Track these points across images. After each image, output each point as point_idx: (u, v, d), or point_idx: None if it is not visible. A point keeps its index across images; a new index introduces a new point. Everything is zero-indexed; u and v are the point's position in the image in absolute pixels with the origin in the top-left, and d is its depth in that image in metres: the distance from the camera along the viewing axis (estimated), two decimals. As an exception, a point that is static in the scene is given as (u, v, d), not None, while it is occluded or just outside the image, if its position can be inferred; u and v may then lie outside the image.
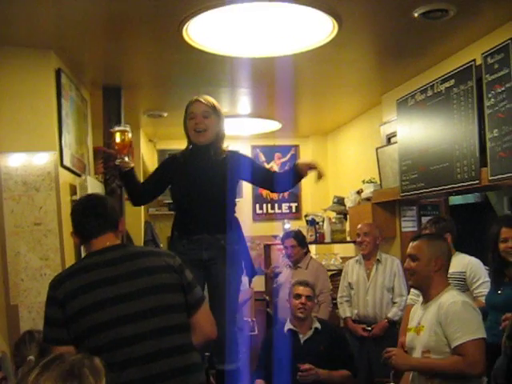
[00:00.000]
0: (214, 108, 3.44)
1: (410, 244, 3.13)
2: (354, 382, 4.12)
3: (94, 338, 2.15)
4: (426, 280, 3.00)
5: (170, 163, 3.58)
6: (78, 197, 4.31)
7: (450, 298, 2.89)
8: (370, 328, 5.01)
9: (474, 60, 4.18)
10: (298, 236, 5.65)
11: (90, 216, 2.39)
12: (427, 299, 3.01)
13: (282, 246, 5.85)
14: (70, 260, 4.04)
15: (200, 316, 2.38)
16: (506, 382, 1.98)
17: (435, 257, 2.99)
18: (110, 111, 5.18)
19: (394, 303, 5.04)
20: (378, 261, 5.16)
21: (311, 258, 5.73)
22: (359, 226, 5.43)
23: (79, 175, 4.53)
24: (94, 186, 4.56)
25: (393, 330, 4.82)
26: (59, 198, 3.97)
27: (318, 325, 4.10)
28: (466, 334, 2.75)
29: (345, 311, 5.25)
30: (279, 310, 5.50)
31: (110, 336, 2.15)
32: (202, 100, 3.43)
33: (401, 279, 5.08)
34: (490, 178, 3.97)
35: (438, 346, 2.85)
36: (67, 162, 4.26)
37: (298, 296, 4.09)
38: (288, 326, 4.11)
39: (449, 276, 4.20)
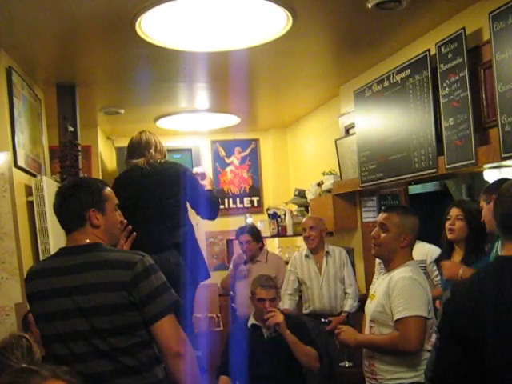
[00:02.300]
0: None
1: (382, 214, 3.10)
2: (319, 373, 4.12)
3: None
4: (391, 253, 2.99)
5: None
6: (33, 198, 4.23)
7: (401, 272, 2.90)
8: (327, 320, 4.95)
9: (429, 50, 4.21)
10: (252, 231, 5.62)
11: (59, 213, 2.35)
12: (388, 270, 3.02)
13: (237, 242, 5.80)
14: (28, 263, 3.95)
15: (159, 327, 2.19)
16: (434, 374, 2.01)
17: (405, 232, 2.97)
18: (64, 109, 5.07)
19: (347, 293, 5.08)
20: (328, 253, 5.16)
21: (268, 251, 5.72)
22: (304, 219, 5.43)
23: (34, 175, 4.43)
24: (50, 186, 4.46)
25: (349, 321, 4.86)
26: (14, 200, 3.87)
27: None
28: (406, 309, 2.76)
29: (284, 303, 5.13)
30: (238, 305, 5.47)
31: (51, 350, 2.22)
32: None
33: (349, 269, 5.15)
34: (447, 167, 4.02)
35: (381, 318, 2.89)
36: (21, 162, 4.17)
37: (262, 300, 4.01)
38: (251, 321, 4.07)
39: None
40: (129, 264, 2.20)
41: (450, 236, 3.78)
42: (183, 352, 2.20)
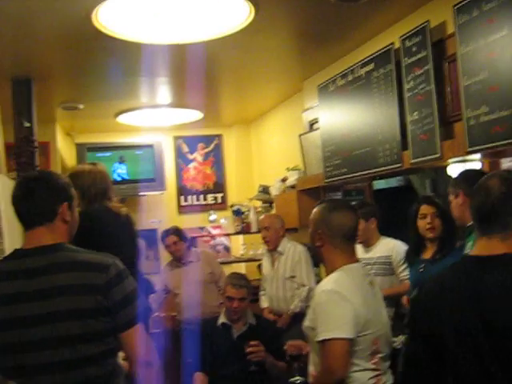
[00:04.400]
0: None
1: None
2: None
3: None
4: (318, 255, 2.58)
5: None
6: (-13, 196, 4.07)
7: (323, 284, 2.45)
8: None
9: (393, 43, 4.17)
10: (177, 231, 5.42)
11: (21, 203, 2.12)
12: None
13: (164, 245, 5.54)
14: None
15: (130, 335, 2.08)
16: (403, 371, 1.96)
17: (319, 228, 2.50)
18: (20, 104, 4.90)
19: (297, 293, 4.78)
20: (280, 252, 4.92)
21: (196, 250, 5.60)
22: (260, 218, 5.29)
23: (-11, 173, 4.27)
24: (5, 184, 4.30)
25: (297, 322, 4.65)
26: (-33, 199, 3.72)
27: (253, 320, 3.98)
28: (325, 330, 2.33)
29: (263, 302, 5.07)
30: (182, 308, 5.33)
31: (6, 361, 2.02)
32: None
33: (303, 267, 4.81)
34: (412, 161, 3.98)
35: (312, 334, 2.46)
36: (-26, 159, 4.01)
37: (231, 298, 3.92)
38: (222, 319, 3.97)
39: (375, 261, 4.26)
40: (102, 267, 2.06)
41: (430, 235, 3.67)
42: (153, 361, 2.12)
